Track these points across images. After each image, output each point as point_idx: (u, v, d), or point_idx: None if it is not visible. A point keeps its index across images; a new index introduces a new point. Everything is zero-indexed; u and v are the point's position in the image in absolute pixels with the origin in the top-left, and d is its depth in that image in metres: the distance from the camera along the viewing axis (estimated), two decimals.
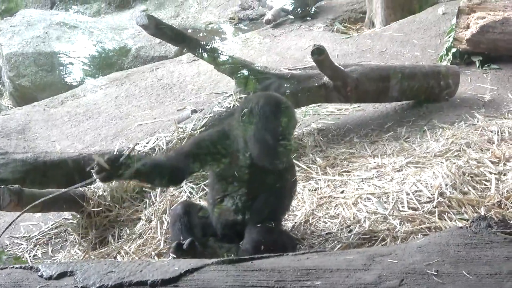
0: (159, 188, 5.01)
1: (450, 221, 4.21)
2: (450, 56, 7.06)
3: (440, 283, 2.62)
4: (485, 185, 4.61)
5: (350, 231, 4.23)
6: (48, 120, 7.29)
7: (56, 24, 10.36)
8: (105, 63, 9.81)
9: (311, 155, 5.44)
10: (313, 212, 4.53)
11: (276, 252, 3.06)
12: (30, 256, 4.80)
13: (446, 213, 4.29)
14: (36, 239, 5.02)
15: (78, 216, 4.98)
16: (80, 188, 5.04)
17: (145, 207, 4.98)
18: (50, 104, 7.81)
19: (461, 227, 3.12)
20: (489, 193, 4.48)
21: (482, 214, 4.04)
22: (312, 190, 4.86)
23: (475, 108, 5.99)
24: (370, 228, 4.20)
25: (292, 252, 3.28)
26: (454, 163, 4.84)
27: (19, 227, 5.20)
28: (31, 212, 5.04)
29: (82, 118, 7.27)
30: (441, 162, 4.91)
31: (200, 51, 5.75)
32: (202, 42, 5.84)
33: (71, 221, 5.08)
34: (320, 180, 4.99)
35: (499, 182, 4.61)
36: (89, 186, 5.13)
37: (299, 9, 9.66)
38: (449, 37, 7.17)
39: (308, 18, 9.65)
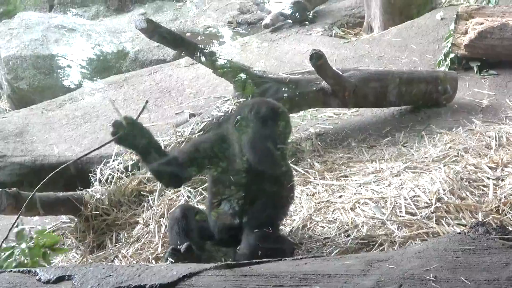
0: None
1: (448, 226, 4.21)
2: (448, 61, 7.07)
3: None
4: (483, 190, 4.62)
5: (348, 236, 4.23)
6: (46, 123, 7.28)
7: (54, 27, 10.34)
8: (103, 66, 9.80)
9: (309, 159, 5.44)
10: (311, 216, 4.53)
11: (273, 257, 3.06)
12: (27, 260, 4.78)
13: (444, 219, 4.30)
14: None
15: (76, 219, 4.97)
16: (78, 192, 5.04)
17: (143, 211, 4.97)
18: (48, 107, 7.79)
19: (459, 233, 3.12)
20: (487, 199, 4.49)
21: (480, 219, 4.05)
22: (310, 195, 4.86)
23: (473, 113, 6.00)
24: (368, 233, 4.20)
25: (289, 257, 3.28)
26: (452, 168, 4.85)
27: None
28: (28, 216, 5.03)
29: (80, 121, 7.25)
30: (439, 168, 4.91)
31: (199, 55, 5.74)
32: (201, 46, 5.84)
33: (68, 224, 5.07)
34: (318, 184, 4.99)
35: (497, 187, 4.62)
36: (86, 189, 5.14)
37: (297, 14, 9.65)
38: (447, 42, 7.17)
39: (307, 23, 9.64)
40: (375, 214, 4.41)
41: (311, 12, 9.83)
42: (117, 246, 4.68)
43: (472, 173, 4.79)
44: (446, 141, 5.41)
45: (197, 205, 4.80)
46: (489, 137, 5.38)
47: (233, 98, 5.75)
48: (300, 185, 5.01)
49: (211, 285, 2.69)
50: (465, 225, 4.08)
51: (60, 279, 2.81)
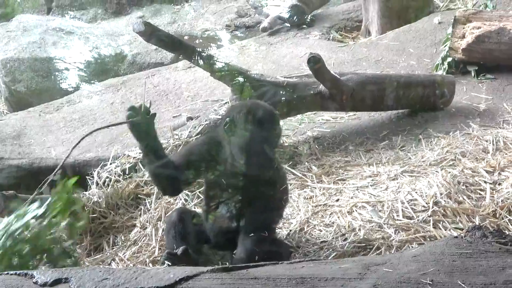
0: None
1: (445, 230, 4.22)
2: (445, 65, 7.07)
3: None
4: (480, 194, 4.62)
5: (345, 239, 4.23)
6: (44, 126, 7.28)
7: (52, 29, 10.34)
8: (101, 69, 9.80)
9: (306, 163, 5.44)
10: (308, 220, 4.53)
11: (270, 260, 3.06)
12: None
13: (441, 222, 4.30)
14: None
15: None
16: (75, 195, 5.03)
17: (140, 214, 4.97)
18: (46, 109, 7.79)
19: (456, 237, 3.12)
20: (484, 203, 4.50)
21: (477, 223, 4.05)
22: (307, 198, 4.87)
23: (470, 117, 6.00)
24: (365, 236, 4.20)
25: (286, 260, 3.28)
26: (449, 172, 4.85)
27: None
28: None
29: (77, 124, 7.25)
30: (436, 171, 4.92)
31: (196, 58, 5.75)
32: (198, 49, 5.85)
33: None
34: (315, 188, 4.99)
35: (494, 191, 4.62)
36: (84, 192, 5.13)
37: (295, 17, 9.66)
38: (445, 46, 7.18)
39: (304, 26, 9.65)
40: (372, 218, 4.42)
41: (309, 16, 9.85)
42: (114, 249, 4.68)
43: (469, 177, 4.79)
44: (444, 145, 5.41)
45: (194, 208, 4.80)
46: (486, 141, 5.38)
47: (230, 101, 5.76)
48: (297, 188, 5.02)
49: None
50: (462, 229, 4.08)
51: (56, 282, 2.80)
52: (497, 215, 4.36)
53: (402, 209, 4.45)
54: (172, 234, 4.08)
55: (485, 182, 4.75)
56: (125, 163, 5.39)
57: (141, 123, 3.79)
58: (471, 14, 7.01)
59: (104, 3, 12.75)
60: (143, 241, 4.62)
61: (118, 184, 5.20)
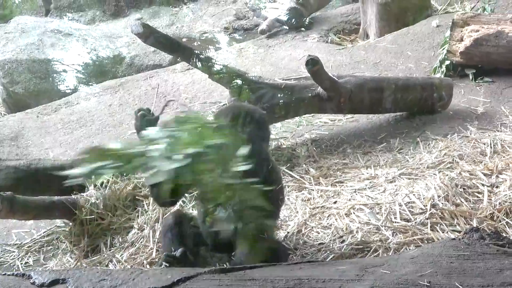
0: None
1: (443, 232, 4.22)
2: (443, 68, 7.09)
3: None
4: (477, 197, 4.62)
5: (343, 241, 4.23)
6: (41, 128, 7.28)
7: (50, 31, 10.34)
8: (99, 71, 9.80)
9: (304, 165, 5.44)
10: (305, 222, 4.53)
11: (268, 262, 3.06)
12: (21, 264, 4.78)
13: (439, 225, 4.30)
14: (28, 247, 5.00)
15: (70, 224, 4.96)
16: (73, 196, 5.03)
17: (138, 216, 4.96)
18: (44, 111, 7.80)
19: (453, 239, 3.13)
20: (482, 205, 4.50)
21: (475, 226, 4.05)
22: (305, 200, 4.86)
23: (468, 120, 6.01)
24: (363, 238, 4.20)
25: (284, 262, 3.27)
26: (447, 175, 4.85)
27: (11, 234, 5.18)
28: (23, 219, 5.03)
29: (75, 125, 7.25)
30: (434, 174, 4.92)
31: (195, 60, 5.75)
32: (197, 51, 5.85)
33: (63, 228, 5.06)
34: (313, 190, 4.99)
35: (492, 194, 4.63)
36: (81, 193, 5.12)
37: (293, 20, 9.68)
38: (443, 49, 7.19)
39: (303, 29, 9.67)
40: (370, 220, 4.42)
41: (307, 19, 9.87)
42: (111, 251, 4.67)
43: (467, 180, 4.80)
44: (441, 148, 5.42)
45: (192, 210, 4.80)
46: (484, 144, 5.39)
47: (228, 103, 5.75)
48: (295, 190, 5.02)
49: None
50: (459, 232, 4.08)
51: (54, 283, 2.80)
52: (495, 218, 4.36)
53: (399, 212, 4.45)
54: (169, 237, 4.07)
55: (482, 184, 4.75)
56: None
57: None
58: (469, 17, 7.03)
59: (102, 5, 12.76)
60: (141, 242, 4.62)
61: (115, 185, 5.19)
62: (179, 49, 5.88)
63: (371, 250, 4.09)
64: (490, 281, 2.67)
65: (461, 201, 4.53)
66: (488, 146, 5.33)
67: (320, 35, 9.45)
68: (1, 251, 4.95)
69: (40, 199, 4.78)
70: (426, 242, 4.09)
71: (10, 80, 9.28)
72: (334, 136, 6.02)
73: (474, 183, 4.77)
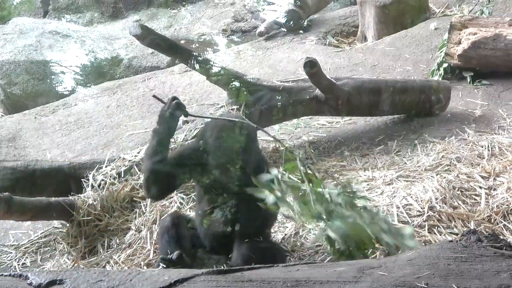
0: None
1: (440, 235, 4.22)
2: (441, 71, 7.09)
3: None
4: (475, 199, 4.62)
5: None
6: (39, 129, 7.27)
7: (48, 32, 10.35)
8: (97, 73, 9.80)
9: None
10: (303, 224, 4.52)
11: (266, 264, 3.06)
12: (18, 265, 4.78)
13: (436, 227, 4.31)
14: (25, 248, 5.00)
15: (68, 225, 4.96)
16: (70, 197, 5.03)
17: (135, 217, 4.96)
18: (41, 112, 7.79)
19: (451, 241, 3.12)
20: (479, 208, 4.50)
21: (472, 228, 4.05)
22: None
23: (466, 123, 6.02)
24: None
25: (282, 263, 3.27)
26: (445, 177, 4.85)
27: (8, 235, 5.18)
28: (20, 220, 5.02)
29: (73, 127, 7.24)
30: (431, 176, 4.92)
31: (193, 62, 5.76)
32: (195, 53, 5.85)
33: (60, 230, 5.06)
34: None
35: (489, 196, 4.63)
36: (79, 195, 5.12)
37: (291, 22, 9.68)
38: (441, 52, 7.20)
39: (301, 31, 9.67)
40: None
41: (305, 21, 9.86)
42: (109, 252, 4.67)
43: (464, 182, 4.80)
44: (439, 150, 5.42)
45: (190, 211, 4.79)
46: (482, 146, 5.39)
47: (226, 105, 5.76)
48: None
49: None
50: (457, 234, 4.08)
51: (51, 283, 2.79)
52: (492, 220, 4.36)
53: (397, 214, 4.45)
54: (165, 239, 4.06)
55: (480, 187, 4.75)
56: (120, 166, 5.38)
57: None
58: (467, 20, 7.04)
59: (100, 7, 12.75)
60: (138, 244, 4.62)
61: (113, 187, 5.19)
62: (177, 51, 5.88)
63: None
64: (487, 283, 2.67)
65: (459, 204, 4.53)
66: (485, 148, 5.33)
67: (318, 38, 9.45)
68: None
69: (37, 200, 4.78)
70: (423, 244, 4.09)
71: (8, 81, 9.29)
72: (332, 138, 6.02)
73: (471, 186, 4.77)
